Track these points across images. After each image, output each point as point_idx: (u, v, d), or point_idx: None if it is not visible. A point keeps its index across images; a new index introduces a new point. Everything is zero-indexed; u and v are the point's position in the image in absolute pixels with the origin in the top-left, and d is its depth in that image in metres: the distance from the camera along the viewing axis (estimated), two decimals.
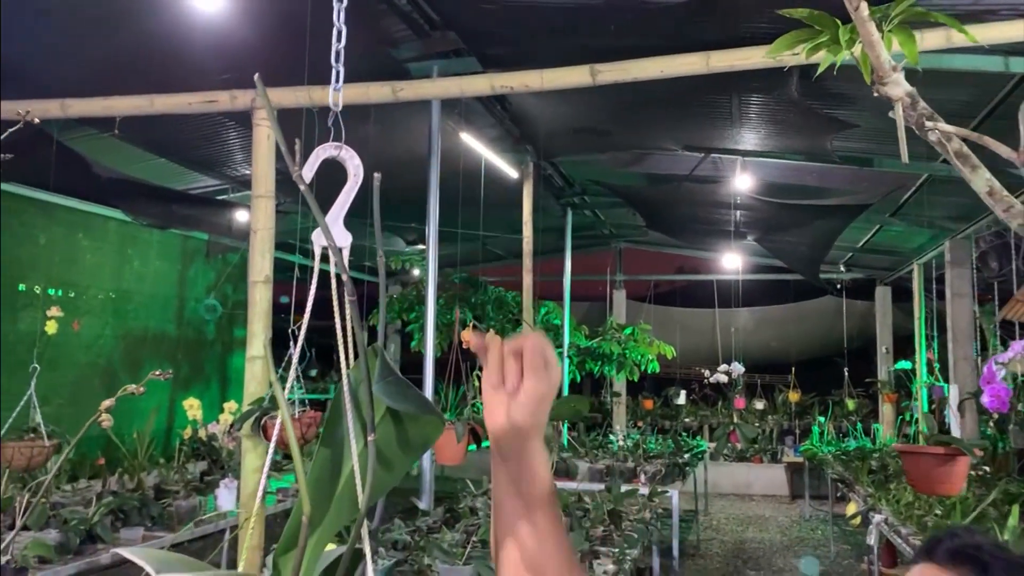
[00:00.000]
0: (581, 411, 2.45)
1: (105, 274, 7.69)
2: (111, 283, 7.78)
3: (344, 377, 0.73)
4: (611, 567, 3.56)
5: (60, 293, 7.25)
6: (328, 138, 0.85)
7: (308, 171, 0.79)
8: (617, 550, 3.70)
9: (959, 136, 1.56)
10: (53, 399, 7.08)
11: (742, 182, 7.03)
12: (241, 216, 7.51)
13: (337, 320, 0.79)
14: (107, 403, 0.98)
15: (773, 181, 7.28)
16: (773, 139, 6.26)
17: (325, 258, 0.77)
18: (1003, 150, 1.51)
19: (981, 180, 1.54)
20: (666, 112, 5.79)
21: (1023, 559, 0.71)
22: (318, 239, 0.77)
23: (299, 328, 0.96)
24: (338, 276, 0.76)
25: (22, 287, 6.93)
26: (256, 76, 0.75)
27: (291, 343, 4.30)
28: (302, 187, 0.70)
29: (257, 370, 3.86)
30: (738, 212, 8.19)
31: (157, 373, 1.05)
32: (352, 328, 0.72)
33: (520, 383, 0.78)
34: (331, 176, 1.04)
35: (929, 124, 1.57)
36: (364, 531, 0.75)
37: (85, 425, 1.02)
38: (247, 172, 6.98)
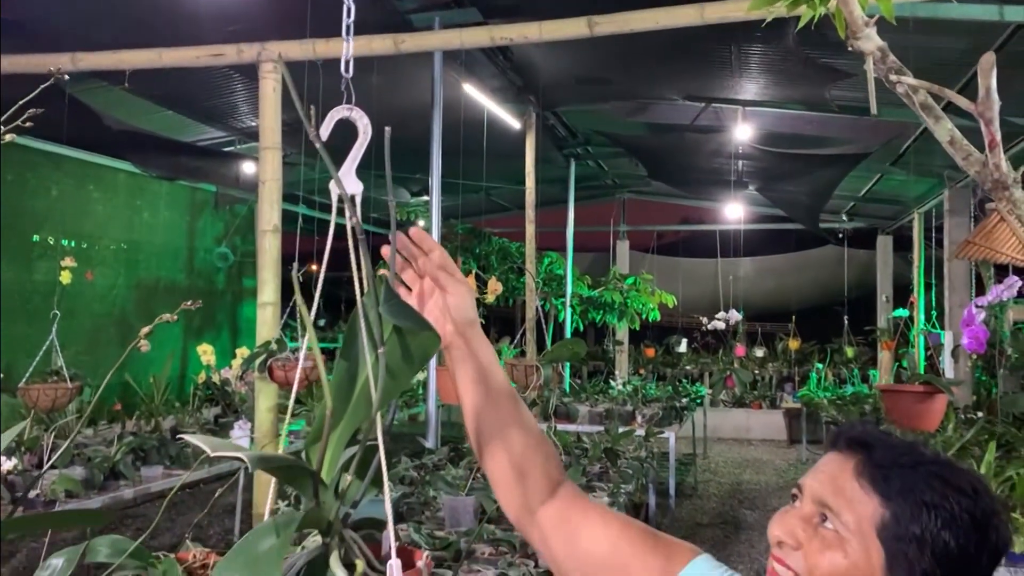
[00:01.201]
0: (579, 353, 2.60)
1: (116, 225, 7.86)
2: (122, 234, 7.94)
3: (359, 303, 0.88)
4: (606, 499, 3.76)
5: (73, 244, 7.42)
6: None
7: (324, 131, 0.93)
8: (612, 485, 3.91)
9: (924, 89, 1.69)
10: (70, 346, 7.30)
11: (743, 132, 7.10)
12: (248, 168, 7.62)
13: (352, 258, 0.94)
14: (146, 329, 1.12)
15: (773, 131, 7.35)
16: (772, 88, 6.31)
17: (340, 211, 0.91)
18: (962, 102, 1.62)
19: (944, 130, 1.66)
20: (667, 61, 5.85)
21: (899, 441, 0.87)
22: (335, 189, 0.91)
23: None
24: (351, 221, 0.90)
25: (36, 238, 7.09)
26: (279, 54, 0.88)
27: (295, 291, 4.47)
28: (318, 145, 0.84)
29: (268, 316, 4.03)
30: (739, 162, 8.26)
31: (188, 304, 1.19)
32: (363, 264, 0.87)
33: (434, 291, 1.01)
34: (339, 133, 1.17)
35: (894, 78, 1.69)
36: (379, 429, 0.90)
37: (127, 349, 1.17)
38: (252, 124, 7.07)
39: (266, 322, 4.08)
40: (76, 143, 6.67)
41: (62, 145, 6.65)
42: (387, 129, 0.88)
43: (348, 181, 0.90)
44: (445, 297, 1.01)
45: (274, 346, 3.99)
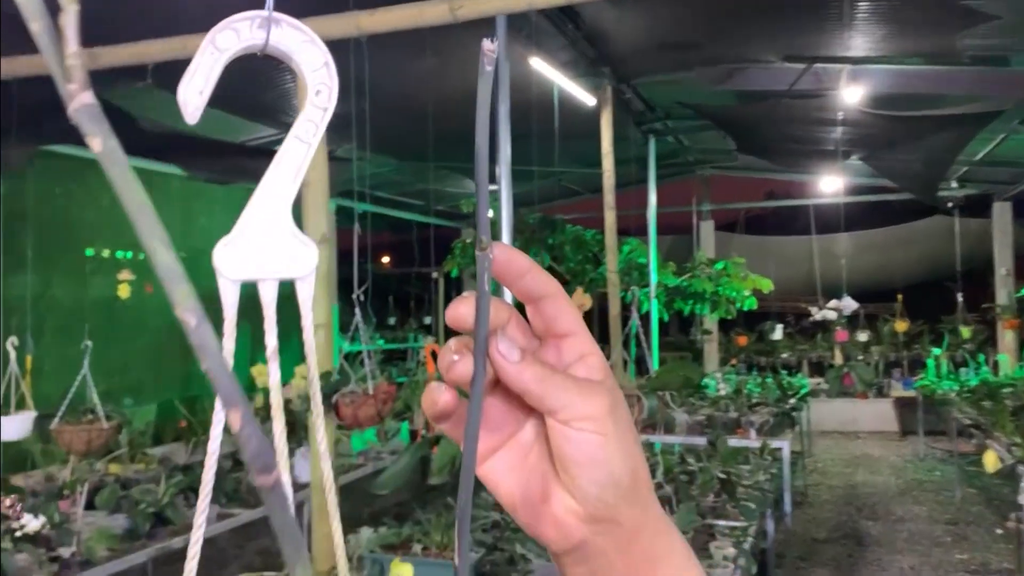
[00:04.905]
0: (693, 380, 1.98)
1: (173, 232, 7.33)
2: (179, 242, 7.57)
3: None
4: (731, 551, 3.08)
5: (129, 256, 7.08)
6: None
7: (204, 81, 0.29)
8: (737, 532, 3.22)
9: None
10: (133, 365, 6.97)
11: (849, 94, 6.22)
12: None
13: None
14: None
15: (884, 92, 6.43)
16: (889, 41, 5.44)
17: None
18: None
19: None
20: (765, 17, 5.06)
21: None
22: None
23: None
24: None
25: (90, 252, 6.77)
26: None
27: (358, 300, 3.88)
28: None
29: (321, 340, 3.47)
30: (841, 129, 7.35)
31: None
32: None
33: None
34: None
35: None
36: None
37: None
38: None
39: (320, 347, 3.53)
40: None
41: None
42: (485, 42, 0.28)
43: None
44: (549, 431, 0.38)
45: (336, 376, 3.42)
